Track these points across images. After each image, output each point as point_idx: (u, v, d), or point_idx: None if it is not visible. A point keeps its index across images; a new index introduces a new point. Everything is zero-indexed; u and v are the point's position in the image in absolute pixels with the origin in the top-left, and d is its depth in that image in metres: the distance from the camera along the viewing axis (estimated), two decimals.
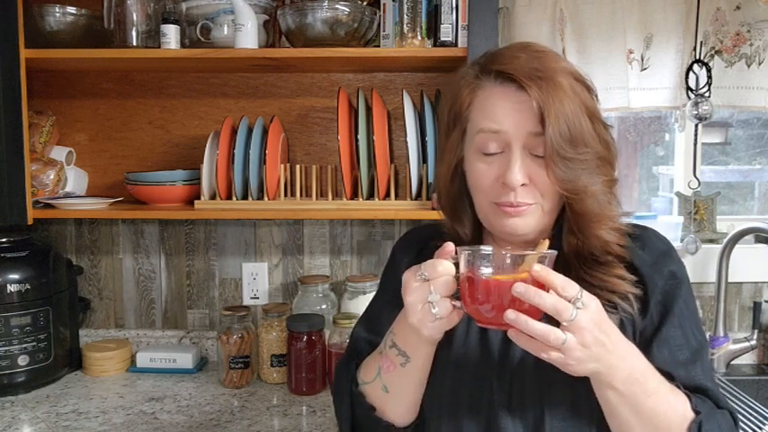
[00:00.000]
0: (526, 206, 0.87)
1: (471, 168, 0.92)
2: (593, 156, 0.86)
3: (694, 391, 0.86)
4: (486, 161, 0.89)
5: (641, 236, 0.95)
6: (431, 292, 0.78)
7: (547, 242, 0.81)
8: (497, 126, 0.87)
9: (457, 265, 0.79)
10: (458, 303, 0.79)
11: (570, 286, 0.74)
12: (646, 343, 0.89)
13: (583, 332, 0.74)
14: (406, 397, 0.92)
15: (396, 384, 0.91)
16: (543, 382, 0.87)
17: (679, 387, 0.85)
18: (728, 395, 1.61)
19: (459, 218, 0.98)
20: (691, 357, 0.88)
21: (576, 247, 0.91)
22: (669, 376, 0.86)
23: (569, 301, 0.73)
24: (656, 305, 0.90)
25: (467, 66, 0.96)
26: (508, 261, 0.79)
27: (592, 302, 0.76)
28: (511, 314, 0.73)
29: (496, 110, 0.87)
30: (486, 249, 0.81)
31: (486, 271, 0.76)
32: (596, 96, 0.91)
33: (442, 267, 0.78)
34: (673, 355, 0.88)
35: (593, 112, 0.89)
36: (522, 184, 0.86)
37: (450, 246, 0.80)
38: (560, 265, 0.91)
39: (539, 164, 0.86)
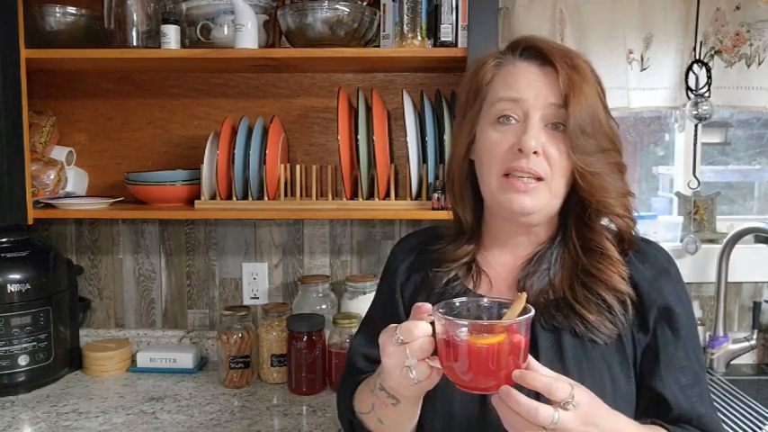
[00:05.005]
0: (535, 182, 0.87)
1: (484, 139, 0.92)
2: (606, 140, 0.89)
3: (688, 418, 0.87)
4: (501, 131, 0.90)
5: (644, 250, 0.95)
6: (407, 357, 0.75)
7: (524, 296, 0.76)
8: (517, 94, 0.89)
9: (434, 324, 0.76)
10: (436, 364, 0.76)
11: (559, 389, 0.72)
12: (651, 360, 0.89)
13: None
14: (402, 425, 0.91)
15: (390, 417, 0.89)
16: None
17: (664, 426, 0.86)
18: (728, 395, 1.61)
19: (464, 202, 0.98)
20: (692, 381, 0.89)
21: (583, 238, 0.92)
22: (666, 403, 0.87)
23: (560, 404, 0.72)
24: (659, 323, 0.90)
25: (486, 54, 0.98)
26: (485, 319, 0.77)
27: (583, 398, 0.74)
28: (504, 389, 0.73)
29: (518, 80, 0.90)
30: (461, 301, 0.80)
31: (462, 332, 0.73)
32: (605, 95, 0.94)
33: (418, 330, 0.75)
34: (676, 378, 0.89)
35: (605, 104, 0.92)
36: (535, 152, 0.86)
37: (426, 305, 0.78)
38: (567, 263, 0.92)
39: (553, 137, 0.88)
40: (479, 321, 0.76)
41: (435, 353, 0.76)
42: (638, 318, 0.90)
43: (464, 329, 0.73)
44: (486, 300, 0.82)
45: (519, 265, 0.95)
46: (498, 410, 0.75)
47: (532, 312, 0.75)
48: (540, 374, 0.74)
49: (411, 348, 0.75)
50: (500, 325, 0.74)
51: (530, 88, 0.89)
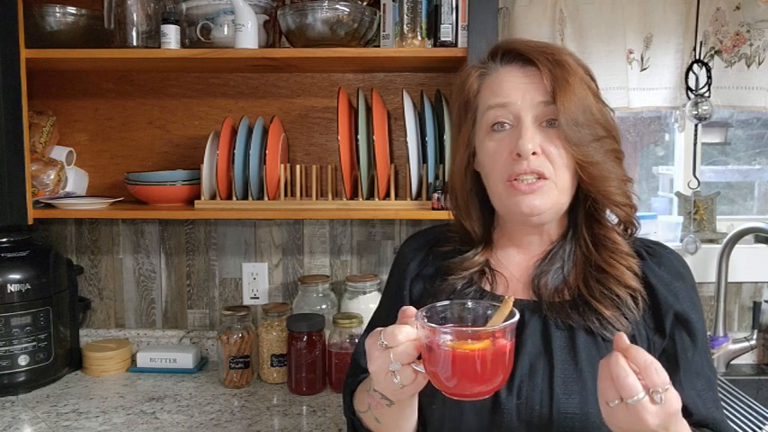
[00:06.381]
0: (540, 181, 0.87)
1: (483, 150, 0.92)
2: (600, 128, 0.89)
3: (705, 422, 0.88)
4: (497, 139, 0.90)
5: (659, 253, 0.95)
6: (392, 362, 0.74)
7: (511, 300, 0.75)
8: (505, 99, 0.89)
9: None
10: (420, 368, 0.74)
11: (658, 373, 0.69)
12: (669, 365, 0.88)
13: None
14: (399, 425, 0.90)
15: (386, 417, 0.89)
16: (556, 397, 0.86)
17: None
18: (728, 395, 1.61)
19: (470, 215, 0.98)
20: (706, 386, 0.89)
21: (594, 234, 0.92)
22: (685, 408, 0.85)
23: (651, 391, 0.69)
24: (677, 329, 0.89)
25: (469, 65, 0.98)
26: (469, 323, 0.76)
27: (673, 400, 0.70)
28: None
29: (503, 85, 0.90)
30: (445, 305, 0.78)
31: (445, 338, 0.71)
32: (596, 82, 0.94)
33: (402, 335, 0.74)
34: (693, 384, 0.89)
35: (596, 91, 0.92)
36: (534, 153, 0.86)
37: (411, 309, 0.77)
38: (580, 259, 0.93)
39: (549, 134, 0.88)
40: (462, 328, 0.74)
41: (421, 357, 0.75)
42: (654, 320, 0.90)
43: (446, 335, 0.71)
44: (470, 303, 0.81)
45: (533, 264, 0.96)
46: (600, 369, 0.72)
47: (517, 317, 0.73)
48: (644, 353, 0.71)
49: (395, 353, 0.74)
50: (484, 331, 0.72)
51: (516, 90, 0.89)
